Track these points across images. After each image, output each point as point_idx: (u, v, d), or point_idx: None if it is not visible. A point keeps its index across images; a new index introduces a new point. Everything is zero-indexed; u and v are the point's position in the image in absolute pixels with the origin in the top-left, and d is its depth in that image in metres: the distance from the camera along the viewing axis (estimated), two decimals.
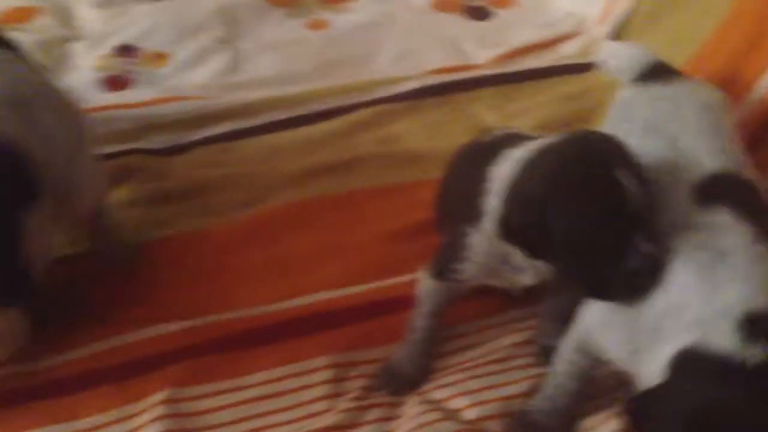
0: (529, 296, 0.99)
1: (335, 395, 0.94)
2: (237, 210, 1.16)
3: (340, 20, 1.51)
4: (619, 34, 1.36)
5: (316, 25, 1.51)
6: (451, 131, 1.25)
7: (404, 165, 1.22)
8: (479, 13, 1.54)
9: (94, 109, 1.27)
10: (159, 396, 0.93)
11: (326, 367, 0.96)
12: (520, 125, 1.20)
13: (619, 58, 1.06)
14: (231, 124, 1.28)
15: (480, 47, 1.46)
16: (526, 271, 0.89)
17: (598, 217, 0.75)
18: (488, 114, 1.30)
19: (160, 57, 1.41)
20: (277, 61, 1.42)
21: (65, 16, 1.49)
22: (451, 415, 0.92)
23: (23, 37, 1.37)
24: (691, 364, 0.73)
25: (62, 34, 1.45)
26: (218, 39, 1.45)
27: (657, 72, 0.98)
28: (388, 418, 0.93)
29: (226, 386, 0.95)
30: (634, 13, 1.34)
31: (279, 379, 0.96)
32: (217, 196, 1.17)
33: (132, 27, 1.46)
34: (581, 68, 1.37)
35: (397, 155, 1.23)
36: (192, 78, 1.37)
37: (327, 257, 1.10)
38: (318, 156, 1.23)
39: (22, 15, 1.47)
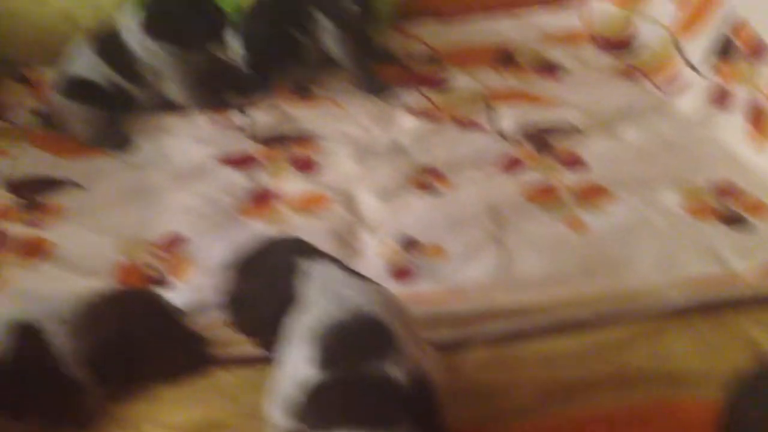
0: None
1: None
2: (519, 416, 1.23)
3: (597, 221, 1.61)
4: None
5: (575, 225, 1.61)
6: (725, 352, 1.30)
7: (679, 384, 1.27)
8: (735, 221, 1.59)
9: None
10: None
11: None
12: None
13: None
14: (507, 325, 1.37)
15: (740, 257, 1.50)
16: None
17: None
18: (760, 335, 1.34)
19: (438, 250, 1.55)
20: (542, 261, 1.52)
21: (352, 205, 1.68)
22: None
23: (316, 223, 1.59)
24: None
25: (350, 222, 1.63)
26: (488, 234, 1.58)
27: None
28: None
29: None
30: None
31: None
32: (499, 399, 1.26)
33: (411, 219, 1.62)
34: None
35: (671, 373, 1.28)
36: (468, 273, 1.50)
37: None
38: (592, 367, 1.30)
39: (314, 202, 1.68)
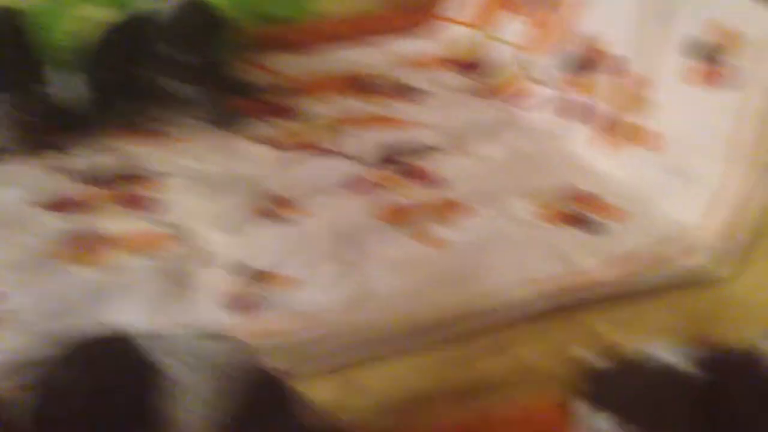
0: None
1: None
2: None
3: (455, 237, 1.55)
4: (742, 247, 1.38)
5: (431, 242, 1.55)
6: (579, 352, 1.25)
7: (533, 387, 1.21)
8: (589, 226, 1.58)
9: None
10: None
11: None
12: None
13: None
14: (361, 350, 1.29)
15: (590, 256, 1.48)
16: None
17: None
18: (615, 332, 1.30)
19: (288, 281, 1.45)
20: (400, 282, 1.44)
21: (192, 241, 1.55)
22: None
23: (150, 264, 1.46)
24: None
25: (190, 259, 1.50)
26: (341, 260, 1.49)
27: None
28: None
29: None
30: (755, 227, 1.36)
31: None
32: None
33: (258, 251, 1.51)
34: (704, 283, 1.38)
35: (526, 377, 1.23)
36: (320, 301, 1.40)
37: None
38: (446, 380, 1.23)
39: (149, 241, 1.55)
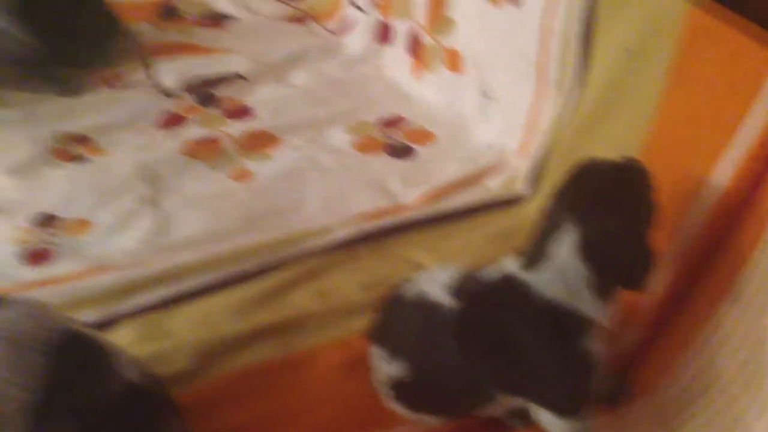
0: None
1: None
2: (182, 383, 1.11)
3: (264, 169, 1.51)
4: (541, 166, 1.41)
5: (240, 176, 1.50)
6: (389, 279, 1.25)
7: (345, 318, 1.21)
8: (401, 152, 1.57)
9: (15, 288, 1.22)
10: None
11: None
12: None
13: None
14: (162, 292, 1.24)
15: (405, 186, 1.48)
16: None
17: None
18: (424, 257, 1.32)
19: (82, 224, 1.36)
20: (204, 218, 1.39)
21: None
22: None
23: None
24: None
25: None
26: (141, 199, 1.42)
27: None
28: None
29: None
30: (553, 145, 1.39)
31: None
32: (157, 369, 1.12)
33: (48, 194, 1.41)
34: (509, 203, 1.42)
35: (337, 309, 1.22)
36: (118, 244, 1.33)
37: (281, 427, 1.07)
38: (256, 318, 1.20)
39: None
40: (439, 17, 1.67)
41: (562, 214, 0.95)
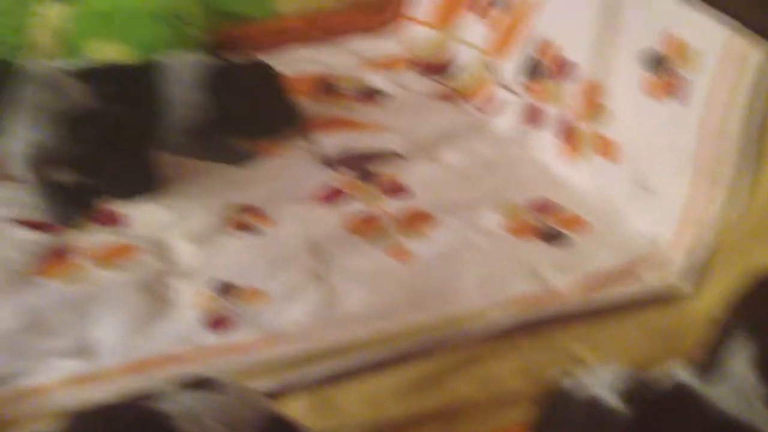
0: None
1: None
2: None
3: (421, 248, 1.58)
4: (704, 264, 1.42)
5: (398, 254, 1.57)
6: (548, 370, 1.29)
7: (506, 407, 1.25)
8: (552, 237, 1.61)
9: (199, 354, 1.33)
10: None
11: None
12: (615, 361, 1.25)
13: None
14: (331, 365, 1.31)
15: (559, 272, 1.52)
16: None
17: None
18: (582, 350, 1.34)
19: (257, 294, 1.46)
20: (366, 294, 1.46)
21: (163, 253, 1.56)
22: None
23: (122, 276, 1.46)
24: None
25: (162, 271, 1.51)
26: (309, 272, 1.51)
27: None
28: None
29: None
30: (717, 244, 1.39)
31: None
32: None
33: (226, 262, 1.52)
34: (667, 299, 1.43)
35: (497, 398, 1.26)
36: (290, 315, 1.42)
37: None
38: (419, 402, 1.25)
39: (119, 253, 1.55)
40: (595, 105, 1.72)
41: (738, 326, 0.97)
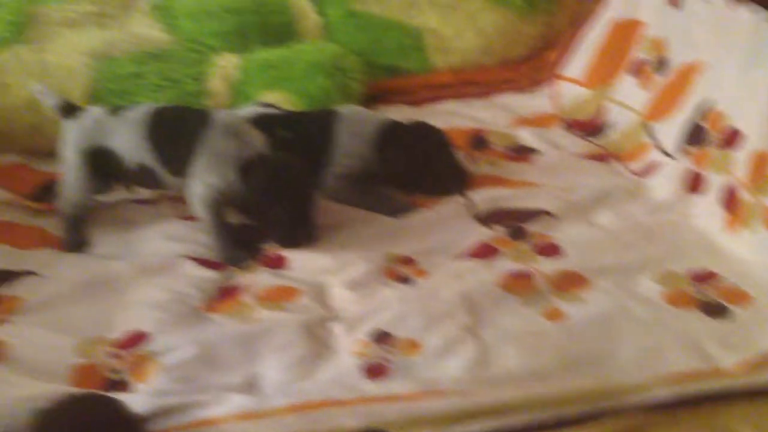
0: None
1: None
2: None
3: (576, 311, 1.57)
4: None
5: (552, 315, 1.57)
6: None
7: None
8: (715, 310, 1.56)
9: (358, 401, 1.36)
10: None
11: None
12: None
13: None
14: (486, 425, 1.31)
15: (723, 348, 1.46)
16: None
17: None
18: (745, 430, 1.29)
19: (412, 345, 1.49)
20: (520, 354, 1.46)
21: (323, 298, 1.62)
22: None
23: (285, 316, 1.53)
24: None
25: (321, 315, 1.57)
26: (463, 327, 1.53)
27: None
28: None
29: None
30: None
31: None
32: None
33: (383, 312, 1.56)
34: None
35: None
36: (444, 369, 1.44)
37: None
38: None
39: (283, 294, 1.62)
40: (763, 177, 1.67)
41: None
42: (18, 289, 1.64)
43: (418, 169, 1.89)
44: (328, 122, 1.89)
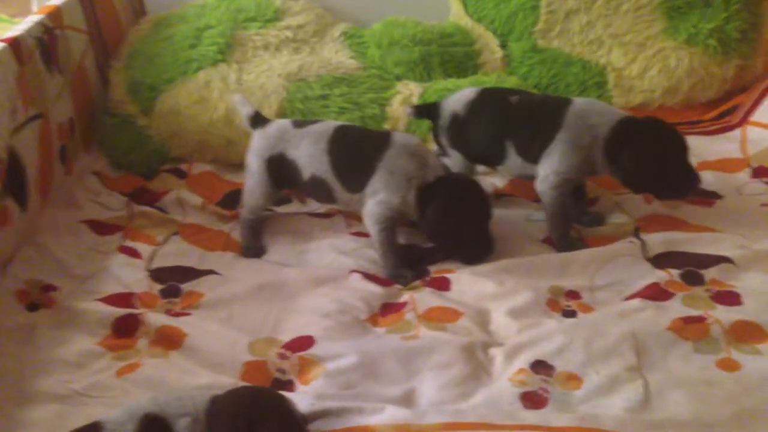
0: None
1: None
2: None
3: (753, 364, 1.48)
4: None
5: (727, 366, 1.48)
6: None
7: None
8: None
9: (518, 429, 1.35)
10: None
11: None
12: None
13: None
14: None
15: None
16: None
17: None
18: None
19: (572, 378, 1.46)
20: (688, 402, 1.39)
21: (483, 322, 1.63)
22: None
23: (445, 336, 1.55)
24: None
25: (481, 339, 1.58)
26: (628, 367, 1.48)
27: None
28: None
29: None
30: None
31: None
32: None
33: (544, 342, 1.54)
34: None
35: None
36: (605, 407, 1.40)
37: None
38: None
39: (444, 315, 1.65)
40: None
41: None
42: (201, 285, 1.77)
43: (652, 168, 1.79)
44: (560, 107, 1.84)
